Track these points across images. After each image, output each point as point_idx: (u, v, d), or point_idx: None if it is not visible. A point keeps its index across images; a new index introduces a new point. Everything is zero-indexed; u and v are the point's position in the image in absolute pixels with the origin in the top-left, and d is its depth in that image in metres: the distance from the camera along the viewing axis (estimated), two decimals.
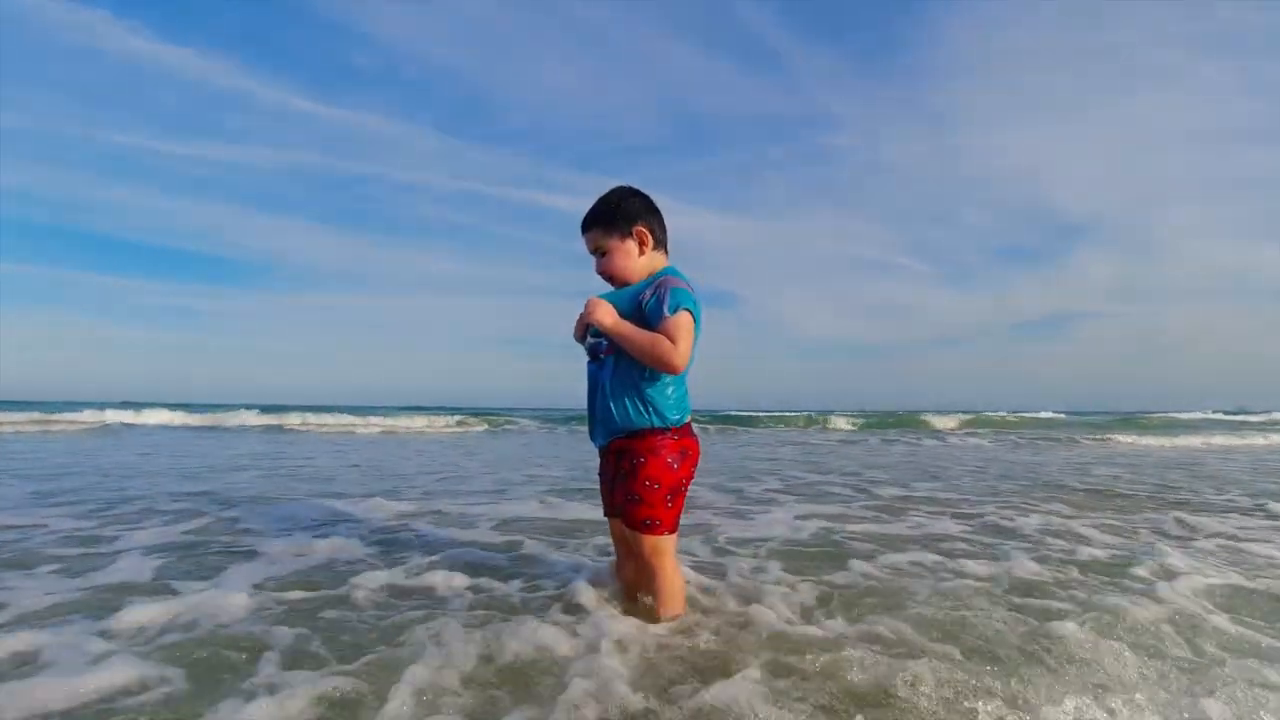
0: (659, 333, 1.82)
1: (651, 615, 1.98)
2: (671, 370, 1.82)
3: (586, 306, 1.93)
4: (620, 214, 1.96)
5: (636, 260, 1.97)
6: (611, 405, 1.92)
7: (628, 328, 1.86)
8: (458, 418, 19.08)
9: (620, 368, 1.92)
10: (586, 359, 2.07)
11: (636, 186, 2.04)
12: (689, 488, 2.00)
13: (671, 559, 1.97)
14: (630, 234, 1.96)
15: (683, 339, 1.81)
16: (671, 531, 1.95)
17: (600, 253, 1.99)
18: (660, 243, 2.01)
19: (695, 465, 2.00)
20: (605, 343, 1.95)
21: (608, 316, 1.88)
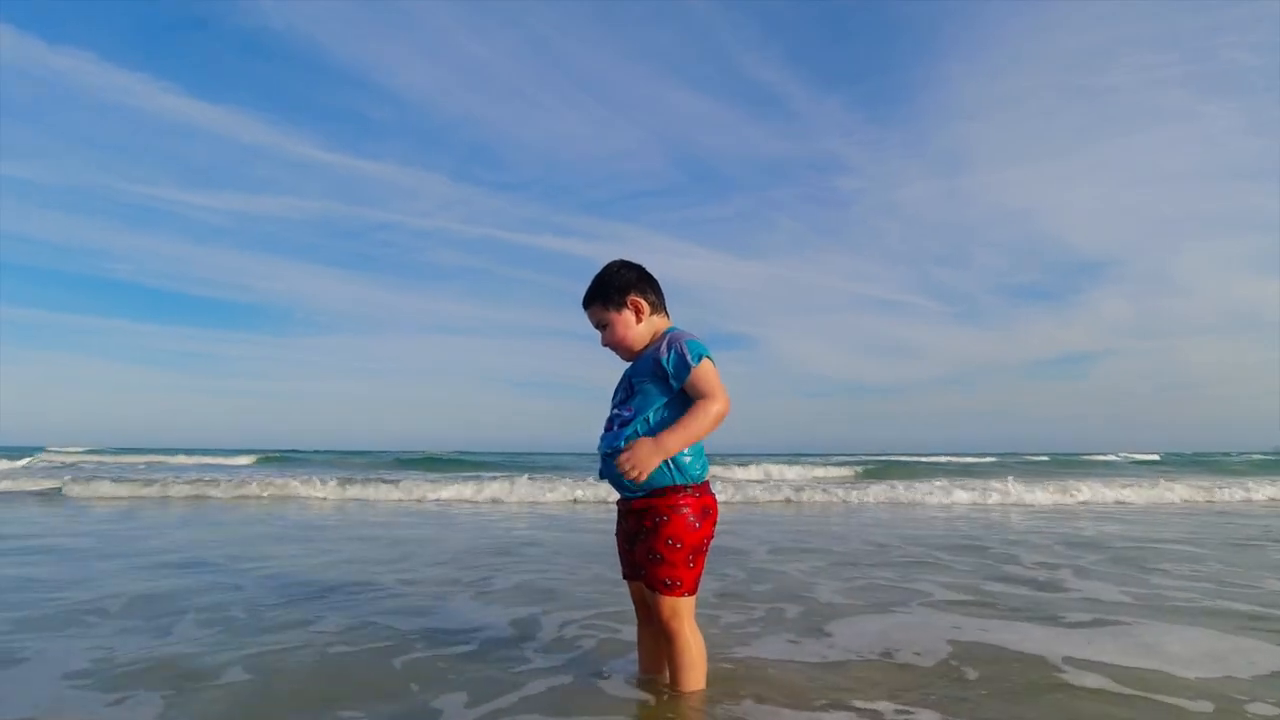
0: (689, 387, 1.87)
1: (671, 687, 1.98)
2: (727, 414, 1.87)
3: (630, 464, 1.82)
4: (613, 287, 2.03)
5: (636, 329, 2.03)
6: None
7: (687, 431, 1.82)
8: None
9: (639, 427, 1.91)
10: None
11: (629, 259, 2.11)
12: (709, 548, 1.97)
13: (690, 622, 1.94)
14: (625, 304, 2.02)
15: (716, 384, 1.86)
16: (691, 593, 1.91)
17: (602, 326, 2.06)
18: (657, 307, 2.08)
19: (715, 524, 1.97)
20: (626, 414, 1.96)
21: (657, 450, 1.82)
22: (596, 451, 2.04)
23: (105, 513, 7.83)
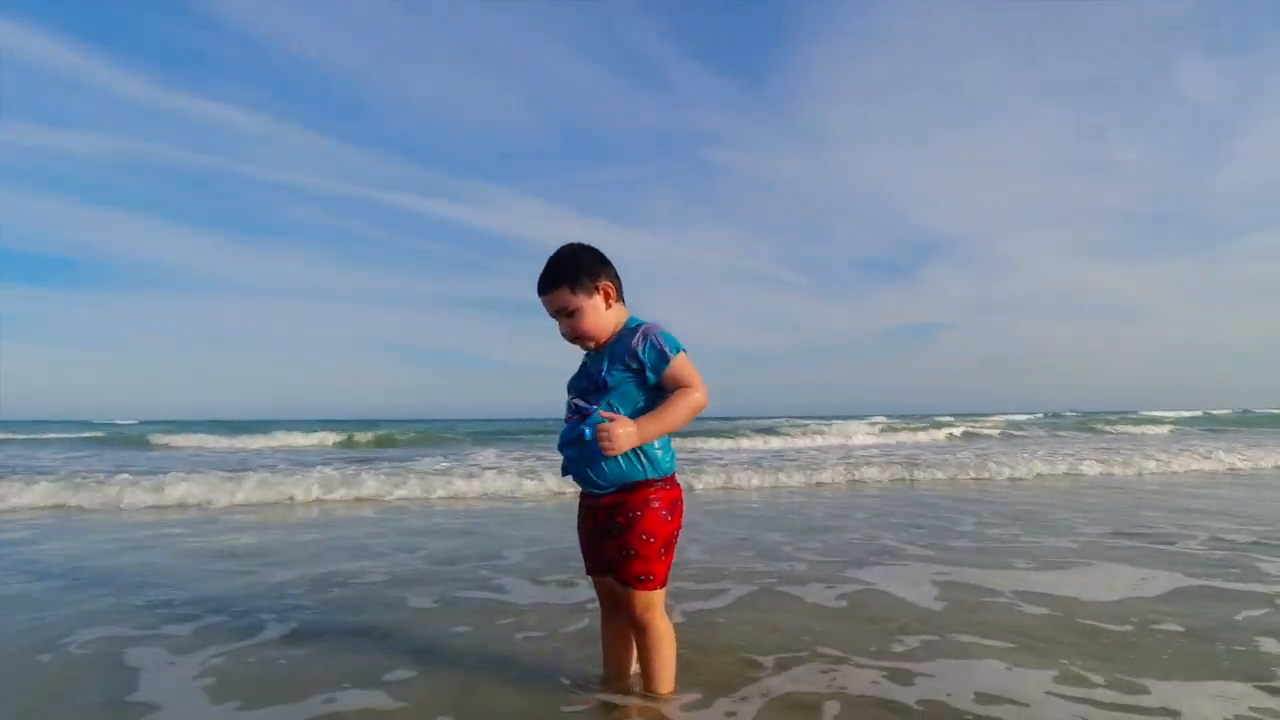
0: (667, 379, 1.84)
1: (644, 681, 1.98)
2: (705, 406, 1.86)
3: (608, 440, 1.76)
4: (584, 271, 1.90)
5: (604, 315, 1.92)
6: (603, 460, 1.85)
7: (664, 420, 1.81)
8: None
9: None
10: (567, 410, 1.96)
11: (581, 242, 1.98)
12: (677, 539, 1.98)
13: (663, 614, 1.94)
14: (597, 290, 1.91)
15: (695, 374, 1.85)
16: (663, 586, 1.92)
17: (567, 313, 1.91)
18: (620, 294, 1.98)
19: (682, 515, 1.97)
20: (590, 406, 1.87)
21: (636, 435, 1.79)
22: (556, 449, 1.96)
23: None
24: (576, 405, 1.90)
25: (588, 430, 1.81)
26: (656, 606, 1.91)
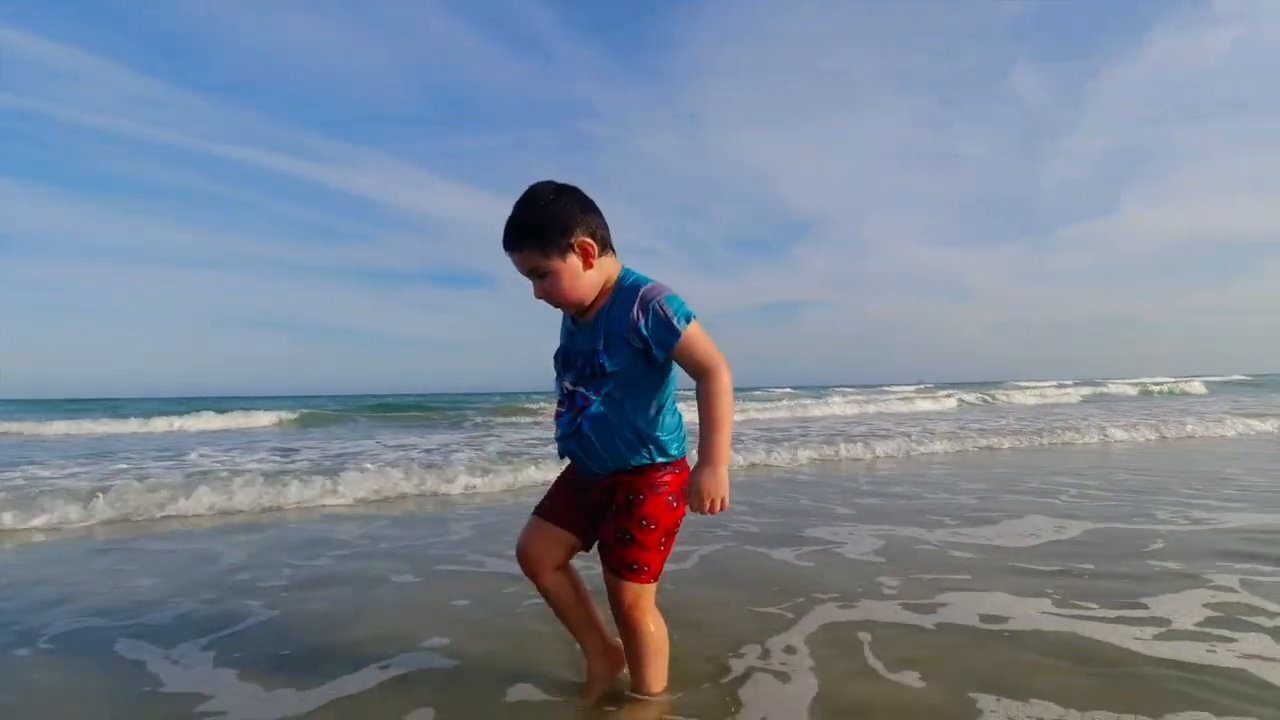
0: (680, 357, 1.61)
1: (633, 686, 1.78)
2: (732, 380, 1.64)
3: (708, 503, 1.56)
4: (555, 226, 1.57)
5: (584, 277, 1.61)
6: (601, 450, 1.65)
7: (725, 432, 1.58)
8: None
9: (607, 406, 1.63)
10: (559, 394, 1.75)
11: (560, 182, 1.66)
12: (678, 530, 1.73)
13: (653, 610, 1.72)
14: (572, 248, 1.58)
15: (713, 348, 1.62)
16: (655, 580, 1.70)
17: (538, 275, 1.62)
18: (606, 245, 1.65)
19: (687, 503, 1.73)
20: (590, 395, 1.65)
21: (720, 471, 1.57)
22: (553, 438, 1.77)
23: None
24: (571, 394, 1.68)
25: (586, 424, 1.64)
26: (646, 602, 1.70)
